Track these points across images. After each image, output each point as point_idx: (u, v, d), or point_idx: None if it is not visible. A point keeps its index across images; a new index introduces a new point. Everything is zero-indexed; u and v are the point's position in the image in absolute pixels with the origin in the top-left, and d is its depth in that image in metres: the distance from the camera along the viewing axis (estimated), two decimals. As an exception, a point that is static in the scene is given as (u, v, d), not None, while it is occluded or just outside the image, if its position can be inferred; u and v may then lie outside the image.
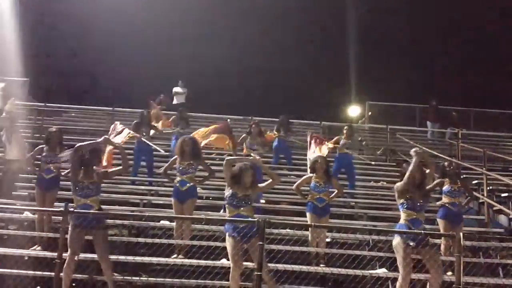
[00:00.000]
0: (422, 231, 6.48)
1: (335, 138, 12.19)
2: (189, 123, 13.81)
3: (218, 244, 7.63)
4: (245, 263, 6.85)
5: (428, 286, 6.56)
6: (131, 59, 25.95)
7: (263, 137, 11.88)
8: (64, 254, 6.41)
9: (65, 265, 6.54)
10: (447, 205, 8.49)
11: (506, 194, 11.74)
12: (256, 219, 6.06)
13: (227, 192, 7.03)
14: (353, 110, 26.19)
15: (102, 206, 7.23)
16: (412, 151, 6.95)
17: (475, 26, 27.60)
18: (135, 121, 12.16)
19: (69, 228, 6.65)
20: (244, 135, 11.92)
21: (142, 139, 11.40)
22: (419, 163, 6.81)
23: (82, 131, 16.21)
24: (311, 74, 30.25)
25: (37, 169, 8.90)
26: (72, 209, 6.49)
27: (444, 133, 19.37)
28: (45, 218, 8.49)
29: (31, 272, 7.27)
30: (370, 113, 22.39)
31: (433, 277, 6.56)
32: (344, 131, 12.22)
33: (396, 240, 6.72)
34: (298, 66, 29.98)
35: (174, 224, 8.63)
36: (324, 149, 11.40)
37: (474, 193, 10.31)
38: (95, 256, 7.17)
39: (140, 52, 27.58)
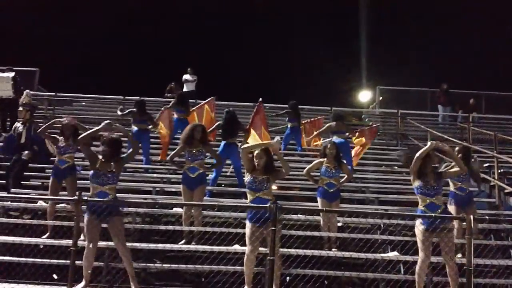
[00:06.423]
0: (433, 215, 6.52)
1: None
2: (189, 107, 13.39)
3: (230, 230, 7.67)
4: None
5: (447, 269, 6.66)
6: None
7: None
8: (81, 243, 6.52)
9: (85, 253, 6.61)
10: (454, 190, 8.44)
11: (517, 177, 11.71)
12: (267, 205, 6.09)
13: (247, 178, 6.97)
14: (364, 95, 26.12)
15: (117, 194, 7.23)
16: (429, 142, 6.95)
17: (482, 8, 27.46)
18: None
19: (85, 217, 6.67)
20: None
21: None
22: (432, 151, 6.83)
23: (93, 120, 16.31)
24: (321, 60, 30.22)
25: (54, 158, 8.94)
26: (85, 198, 6.48)
27: (456, 117, 19.29)
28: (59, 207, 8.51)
29: (46, 261, 7.33)
30: (381, 98, 22.32)
31: (445, 260, 6.66)
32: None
33: (416, 224, 6.82)
34: (309, 52, 29.94)
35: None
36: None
37: (486, 176, 10.26)
38: (110, 243, 7.25)
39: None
